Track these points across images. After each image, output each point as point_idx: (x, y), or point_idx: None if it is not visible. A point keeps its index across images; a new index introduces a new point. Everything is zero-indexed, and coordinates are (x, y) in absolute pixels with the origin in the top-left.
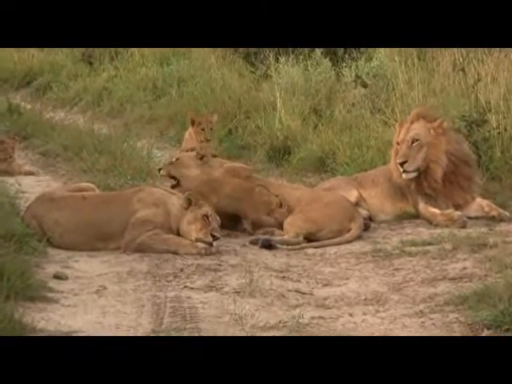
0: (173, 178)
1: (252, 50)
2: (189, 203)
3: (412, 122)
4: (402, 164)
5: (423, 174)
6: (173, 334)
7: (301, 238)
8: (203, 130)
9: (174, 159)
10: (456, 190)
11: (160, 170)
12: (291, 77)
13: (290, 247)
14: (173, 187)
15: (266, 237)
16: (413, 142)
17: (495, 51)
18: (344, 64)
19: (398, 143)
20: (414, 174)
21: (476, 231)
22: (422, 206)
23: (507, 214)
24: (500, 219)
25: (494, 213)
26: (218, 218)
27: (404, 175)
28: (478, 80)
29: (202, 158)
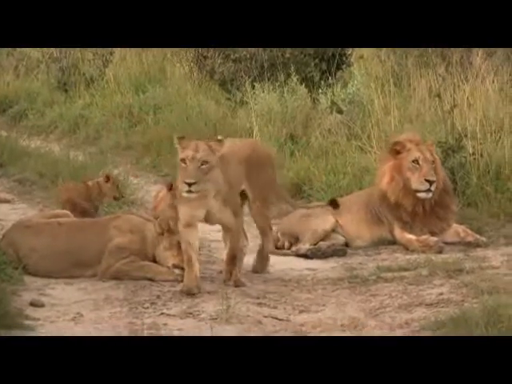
0: None
1: (228, 77)
2: (162, 229)
3: (418, 144)
4: (432, 182)
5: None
6: None
7: None
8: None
9: None
10: (433, 218)
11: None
12: (267, 103)
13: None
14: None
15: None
16: (432, 163)
17: (471, 77)
18: (320, 91)
19: (416, 161)
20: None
21: (452, 257)
22: (398, 232)
23: (483, 239)
24: (476, 245)
25: (470, 238)
26: None
27: (426, 194)
28: (454, 106)
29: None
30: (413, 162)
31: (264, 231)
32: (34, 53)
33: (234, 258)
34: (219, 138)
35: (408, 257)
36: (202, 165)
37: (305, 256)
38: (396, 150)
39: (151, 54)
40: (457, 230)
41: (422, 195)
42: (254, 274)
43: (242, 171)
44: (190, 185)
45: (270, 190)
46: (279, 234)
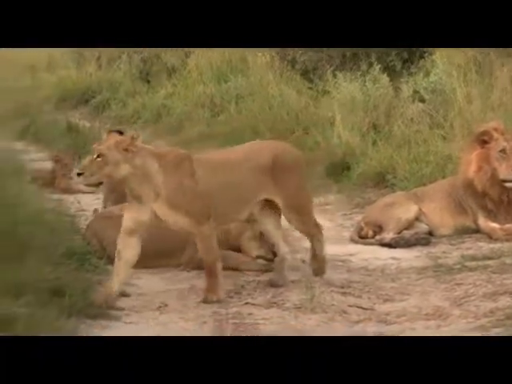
0: None
1: (310, 66)
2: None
3: (503, 133)
4: None
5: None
6: None
7: None
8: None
9: None
10: None
11: None
12: (349, 92)
13: None
14: None
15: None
16: None
17: None
18: (402, 79)
19: (503, 151)
20: None
21: None
22: (482, 221)
23: None
24: None
25: None
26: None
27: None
28: None
29: None
30: (500, 151)
31: (309, 235)
32: None
33: (211, 271)
34: (134, 135)
35: (492, 245)
36: (98, 157)
37: (388, 245)
38: (483, 140)
39: None
40: None
41: (509, 185)
42: (316, 277)
43: (260, 179)
44: (78, 175)
45: (304, 197)
46: (363, 223)
